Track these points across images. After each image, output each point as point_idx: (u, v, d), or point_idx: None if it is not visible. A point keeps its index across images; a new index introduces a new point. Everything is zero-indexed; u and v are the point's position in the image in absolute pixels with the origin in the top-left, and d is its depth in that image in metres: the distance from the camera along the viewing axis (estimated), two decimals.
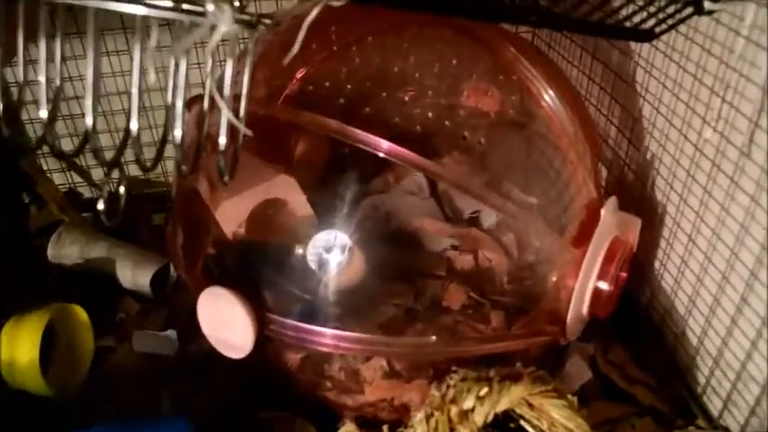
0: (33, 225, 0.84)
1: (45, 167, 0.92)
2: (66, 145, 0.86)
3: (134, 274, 0.76)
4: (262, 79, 0.57)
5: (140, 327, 0.72)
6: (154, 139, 0.81)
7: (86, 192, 0.96)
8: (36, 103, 0.40)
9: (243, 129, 0.42)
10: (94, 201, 0.88)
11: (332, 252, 0.59)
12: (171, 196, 0.71)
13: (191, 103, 0.53)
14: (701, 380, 0.65)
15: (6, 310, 0.66)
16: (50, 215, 0.85)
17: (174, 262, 0.70)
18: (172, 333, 0.71)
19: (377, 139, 0.48)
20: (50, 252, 0.79)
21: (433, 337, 0.55)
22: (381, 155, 0.48)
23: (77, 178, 0.94)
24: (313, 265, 0.57)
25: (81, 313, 0.68)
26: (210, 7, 0.37)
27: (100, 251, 0.78)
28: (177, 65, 0.41)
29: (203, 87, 0.42)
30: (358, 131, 0.47)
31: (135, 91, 0.41)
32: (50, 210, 0.85)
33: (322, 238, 0.60)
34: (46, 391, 0.63)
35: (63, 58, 0.42)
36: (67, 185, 0.95)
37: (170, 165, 0.85)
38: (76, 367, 0.68)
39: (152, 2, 0.38)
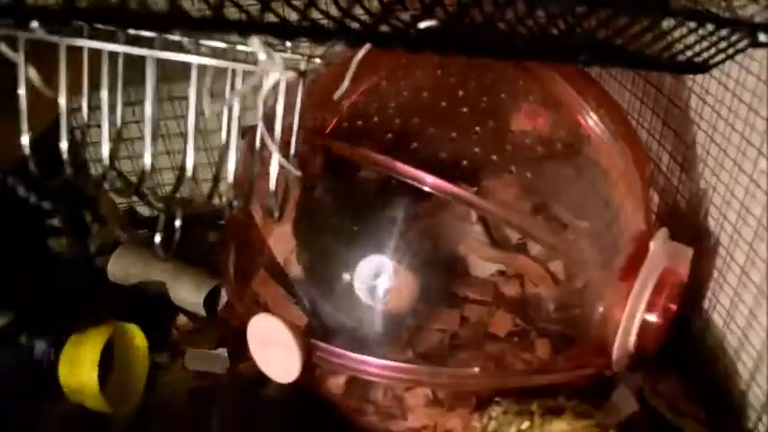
0: (94, 243, 0.87)
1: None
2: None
3: (188, 293, 0.79)
4: (311, 109, 0.59)
5: (193, 345, 0.74)
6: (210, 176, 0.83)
7: (144, 210, 0.99)
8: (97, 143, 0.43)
9: (293, 170, 0.43)
10: (152, 220, 0.92)
11: (380, 278, 0.60)
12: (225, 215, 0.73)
13: (246, 132, 0.55)
14: (752, 415, 0.63)
15: (68, 327, 0.70)
16: (111, 234, 0.88)
17: (225, 284, 0.72)
18: (223, 351, 0.73)
19: (423, 173, 0.49)
20: (110, 270, 0.82)
21: (477, 369, 0.55)
22: (427, 189, 0.49)
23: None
24: (361, 294, 0.58)
25: (137, 332, 0.71)
26: (262, 56, 0.39)
27: (156, 269, 0.81)
28: (231, 108, 0.43)
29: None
30: (406, 167, 0.48)
31: (191, 132, 0.43)
32: (111, 228, 0.88)
33: (370, 265, 0.60)
34: (104, 407, 0.66)
35: (125, 103, 0.44)
36: (126, 204, 0.98)
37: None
38: (132, 384, 0.71)
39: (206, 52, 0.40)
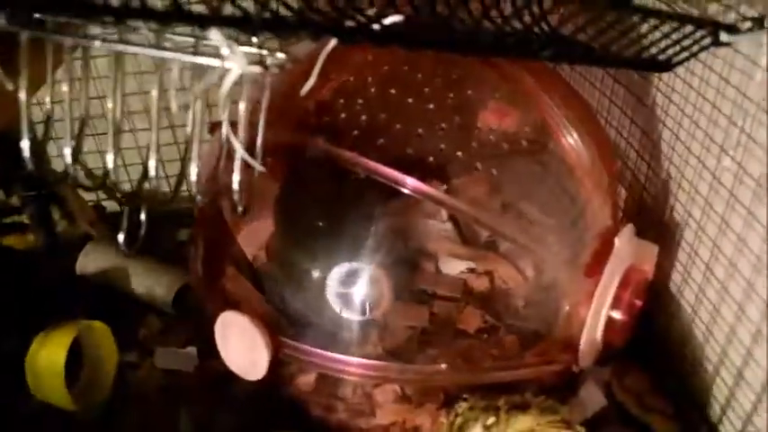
0: (64, 240, 0.86)
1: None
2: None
3: (157, 291, 0.78)
4: (277, 104, 0.58)
5: (162, 343, 0.74)
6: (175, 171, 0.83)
7: (113, 205, 0.98)
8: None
9: (257, 165, 0.43)
10: (120, 215, 0.91)
11: (356, 286, 0.60)
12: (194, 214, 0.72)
13: (214, 127, 0.54)
14: (717, 409, 0.64)
15: (35, 324, 0.69)
16: (79, 230, 0.87)
17: (194, 281, 0.72)
18: (192, 350, 0.72)
19: (403, 176, 0.49)
20: (79, 267, 0.81)
21: (444, 365, 0.55)
22: (407, 191, 0.49)
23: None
24: (334, 302, 0.58)
25: (106, 330, 0.70)
26: (225, 51, 0.38)
27: (125, 267, 0.80)
28: (195, 103, 0.43)
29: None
30: (386, 169, 0.49)
31: (154, 129, 0.43)
32: (80, 225, 0.87)
33: (342, 271, 0.60)
34: (71, 405, 0.65)
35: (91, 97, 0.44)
36: (95, 200, 0.97)
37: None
38: (100, 382, 0.70)
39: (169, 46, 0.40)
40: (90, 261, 0.81)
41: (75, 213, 0.87)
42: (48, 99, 0.46)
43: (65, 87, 0.44)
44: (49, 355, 0.65)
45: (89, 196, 0.95)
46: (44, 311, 0.75)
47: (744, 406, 0.60)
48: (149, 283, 0.79)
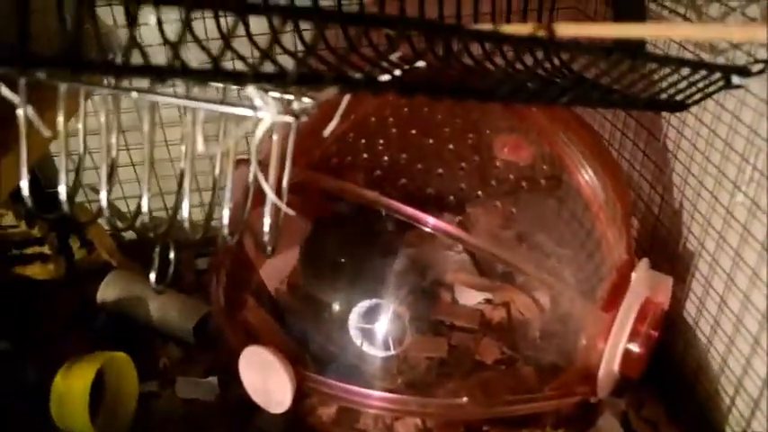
0: (83, 269, 0.88)
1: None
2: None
3: (178, 321, 0.79)
4: (300, 145, 0.60)
5: (183, 373, 0.75)
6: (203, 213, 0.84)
7: (129, 234, 0.99)
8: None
9: (285, 209, 0.44)
10: (138, 244, 0.92)
11: (377, 322, 0.61)
12: (215, 244, 0.73)
13: (238, 163, 0.56)
14: None
15: (57, 355, 0.70)
16: (100, 260, 0.88)
17: (215, 311, 0.73)
18: (213, 380, 0.73)
19: (424, 215, 0.50)
20: (99, 297, 0.82)
21: (465, 399, 0.56)
22: (427, 230, 0.51)
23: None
24: (357, 339, 0.59)
25: (128, 360, 0.71)
26: (258, 102, 0.40)
27: (146, 297, 0.81)
28: (226, 152, 0.44)
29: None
30: (407, 208, 0.50)
31: (188, 171, 0.44)
32: (99, 254, 0.88)
33: (365, 307, 0.61)
34: None
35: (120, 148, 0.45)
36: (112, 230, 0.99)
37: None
38: (122, 412, 0.71)
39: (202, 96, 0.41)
40: (111, 290, 0.83)
41: (97, 243, 0.89)
42: (81, 146, 0.47)
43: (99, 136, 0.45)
44: (73, 386, 0.66)
45: (107, 225, 0.96)
46: (65, 341, 0.77)
47: None
48: (170, 312, 0.80)
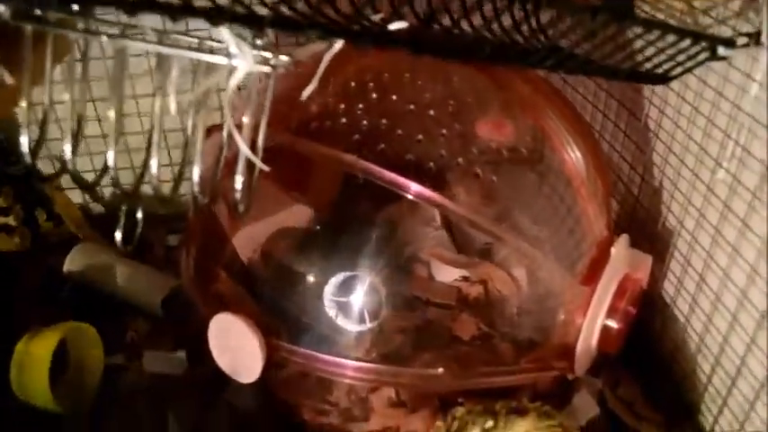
0: (49, 242, 0.85)
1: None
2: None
3: (146, 294, 0.77)
4: (278, 107, 0.58)
5: (151, 346, 0.73)
6: (173, 174, 0.82)
7: (97, 207, 0.97)
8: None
9: (260, 165, 0.43)
10: (106, 217, 0.90)
11: (352, 295, 0.59)
12: (187, 218, 0.72)
13: (210, 131, 0.54)
14: (709, 418, 0.65)
15: (21, 326, 0.68)
16: (66, 232, 0.86)
17: (186, 284, 0.71)
18: (181, 353, 0.72)
19: (406, 181, 0.49)
20: (66, 269, 0.80)
21: (441, 369, 0.55)
22: (409, 196, 0.50)
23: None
24: (331, 311, 0.58)
25: (92, 332, 0.69)
26: (233, 49, 0.38)
27: (114, 269, 0.79)
28: (197, 104, 0.42)
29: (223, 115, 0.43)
30: (388, 173, 0.49)
31: (156, 127, 0.43)
32: (67, 227, 0.86)
33: (340, 279, 0.60)
34: (55, 407, 0.64)
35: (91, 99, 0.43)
36: (80, 203, 0.96)
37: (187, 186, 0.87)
38: (86, 385, 0.69)
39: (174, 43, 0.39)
40: (77, 262, 0.80)
41: (64, 215, 0.86)
42: (45, 98, 0.45)
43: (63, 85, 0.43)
44: (34, 356, 0.64)
45: (75, 198, 0.94)
46: (30, 313, 0.74)
47: (736, 415, 0.61)
48: (138, 285, 0.78)
